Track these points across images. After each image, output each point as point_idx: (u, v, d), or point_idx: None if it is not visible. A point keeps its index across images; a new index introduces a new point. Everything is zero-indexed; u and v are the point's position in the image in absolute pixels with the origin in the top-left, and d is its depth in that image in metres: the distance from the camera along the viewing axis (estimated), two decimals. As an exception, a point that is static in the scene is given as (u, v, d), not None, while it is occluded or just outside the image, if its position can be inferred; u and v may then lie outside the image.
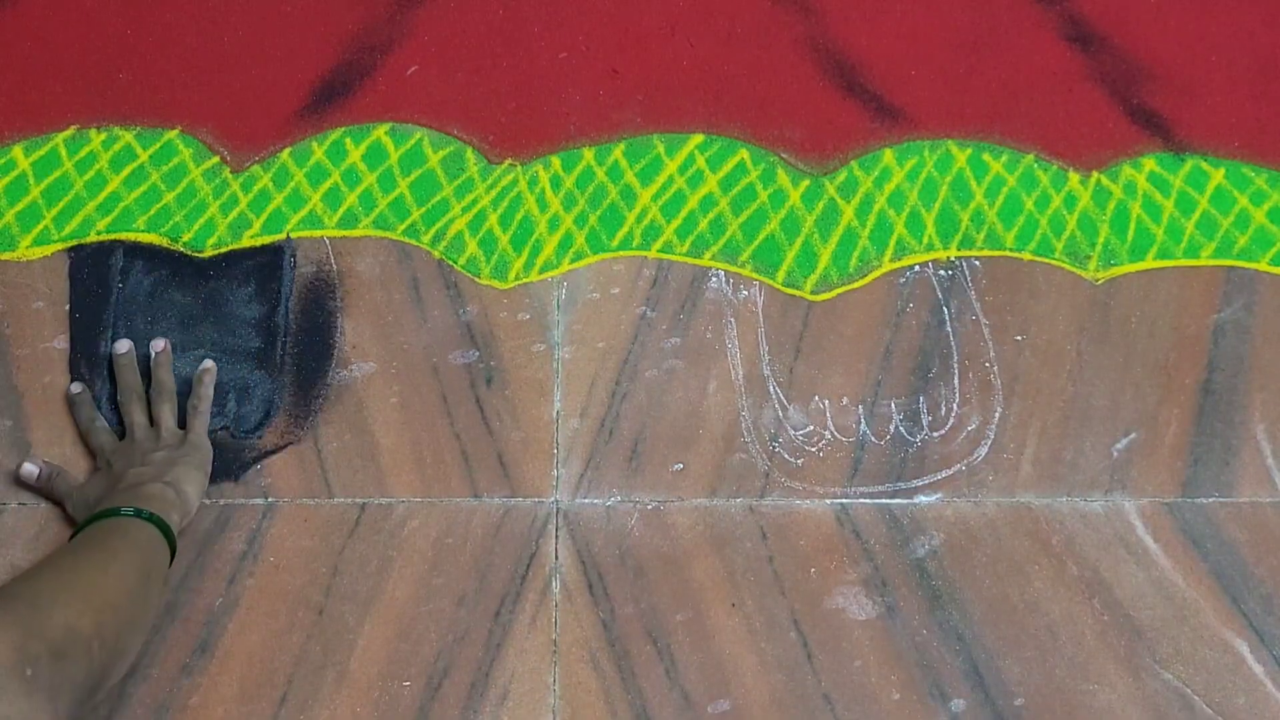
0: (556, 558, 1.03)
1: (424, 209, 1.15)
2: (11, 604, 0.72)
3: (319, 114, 1.18)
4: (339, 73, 1.20)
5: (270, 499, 1.04)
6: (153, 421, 1.04)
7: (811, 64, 1.22)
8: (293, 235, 1.13)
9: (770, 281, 1.12)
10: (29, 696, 0.68)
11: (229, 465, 1.05)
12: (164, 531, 0.91)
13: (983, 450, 1.08)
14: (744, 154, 1.17)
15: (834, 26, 1.23)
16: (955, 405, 1.09)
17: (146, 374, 1.07)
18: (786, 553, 1.04)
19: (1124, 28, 1.24)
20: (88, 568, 0.81)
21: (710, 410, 1.08)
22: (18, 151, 1.16)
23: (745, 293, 1.12)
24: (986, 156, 1.18)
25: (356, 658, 0.99)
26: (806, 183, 1.17)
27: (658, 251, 1.14)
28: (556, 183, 1.16)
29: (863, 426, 1.08)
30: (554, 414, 1.08)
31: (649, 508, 1.05)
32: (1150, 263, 1.14)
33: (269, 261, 1.12)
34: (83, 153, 1.16)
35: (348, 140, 1.17)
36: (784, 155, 1.18)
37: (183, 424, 1.05)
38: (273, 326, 1.10)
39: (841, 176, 1.17)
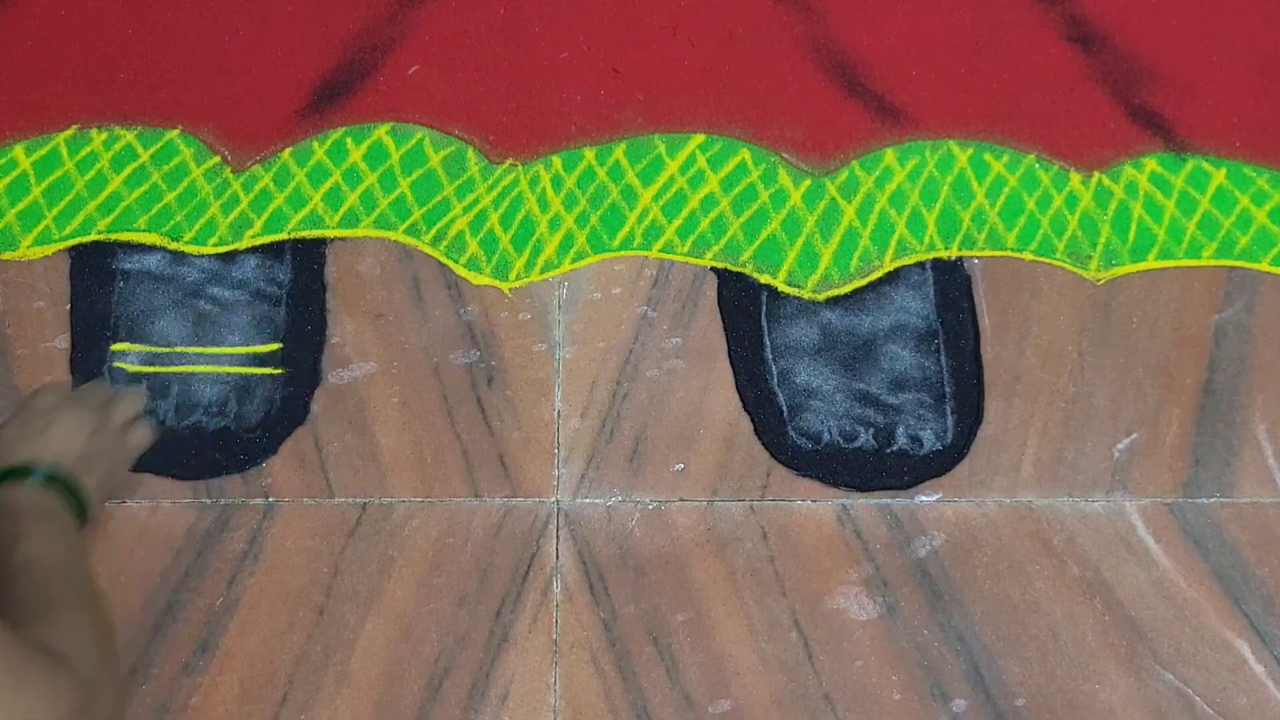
0: (557, 558, 1.03)
1: (425, 209, 1.15)
2: (71, 672, 0.73)
3: (320, 114, 1.18)
4: (340, 72, 1.20)
5: (271, 499, 1.04)
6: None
7: (813, 64, 1.22)
8: (294, 235, 1.13)
9: (772, 281, 1.12)
10: None
11: (230, 465, 1.05)
12: (77, 504, 0.89)
13: (984, 450, 1.07)
14: (745, 154, 1.17)
15: (835, 27, 1.23)
16: (957, 406, 1.09)
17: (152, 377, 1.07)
18: (787, 553, 1.03)
19: (1125, 28, 1.24)
20: (110, 631, 0.81)
21: (711, 410, 1.08)
22: (19, 151, 1.16)
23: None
24: (988, 157, 1.18)
25: (357, 658, 0.99)
26: (808, 183, 1.17)
27: (659, 251, 1.14)
28: (558, 182, 1.16)
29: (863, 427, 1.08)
30: (555, 414, 1.08)
31: (650, 508, 1.05)
32: (1151, 263, 1.14)
33: (270, 261, 1.12)
34: (84, 152, 1.16)
35: (349, 140, 1.17)
36: (785, 155, 1.18)
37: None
38: (274, 325, 1.10)
39: (843, 176, 1.17)
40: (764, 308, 1.12)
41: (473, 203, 1.15)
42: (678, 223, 1.15)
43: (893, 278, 1.13)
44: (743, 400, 1.09)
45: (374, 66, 1.20)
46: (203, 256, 1.12)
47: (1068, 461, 1.07)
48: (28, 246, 1.12)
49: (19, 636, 0.71)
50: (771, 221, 1.15)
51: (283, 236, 1.13)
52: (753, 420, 1.08)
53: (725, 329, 1.11)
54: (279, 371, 1.09)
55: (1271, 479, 1.07)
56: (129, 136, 1.17)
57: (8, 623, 0.72)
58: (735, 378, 1.09)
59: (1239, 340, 1.12)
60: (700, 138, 1.18)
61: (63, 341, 1.09)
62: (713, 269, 1.13)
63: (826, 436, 1.08)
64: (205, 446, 1.06)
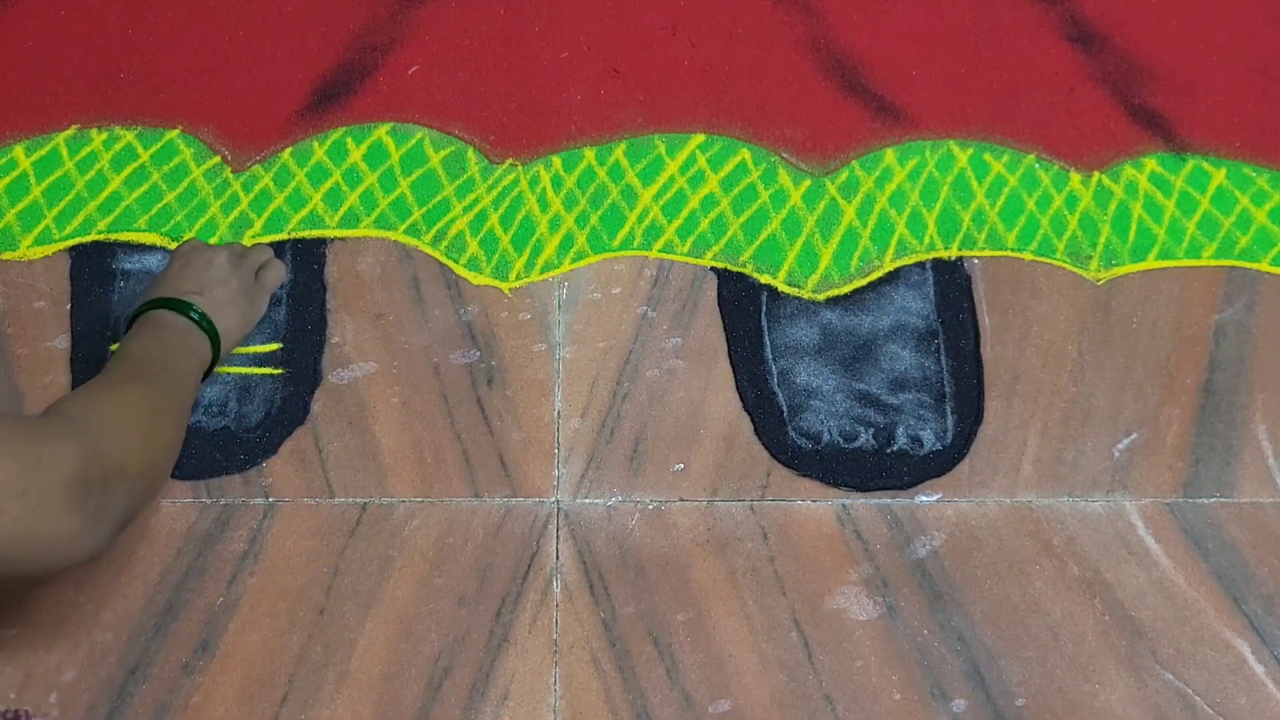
0: (557, 558, 1.03)
1: (425, 209, 1.15)
2: (78, 428, 0.79)
3: (320, 114, 1.18)
4: (340, 72, 1.20)
5: (271, 499, 1.04)
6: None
7: (813, 64, 1.22)
8: (294, 235, 1.13)
9: (772, 281, 1.13)
10: (80, 514, 0.76)
11: (230, 465, 1.05)
12: (214, 347, 1.00)
13: (984, 450, 1.07)
14: (745, 154, 1.18)
15: (835, 27, 1.23)
16: (957, 406, 1.09)
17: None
18: (787, 553, 1.04)
19: (1125, 28, 1.24)
20: (144, 408, 0.88)
21: (711, 410, 1.08)
22: (19, 151, 1.16)
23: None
24: (988, 156, 1.18)
25: (357, 658, 0.99)
26: (808, 183, 1.17)
27: (659, 251, 1.14)
28: (558, 182, 1.16)
29: (863, 427, 1.08)
30: (555, 414, 1.08)
31: (650, 508, 1.05)
32: (1151, 263, 1.14)
33: (270, 261, 1.12)
34: (84, 152, 1.16)
35: (349, 140, 1.17)
36: (785, 155, 1.18)
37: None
38: (274, 325, 1.10)
39: (843, 176, 1.17)
40: (764, 308, 1.12)
41: (473, 203, 1.15)
42: (678, 223, 1.15)
43: (893, 278, 1.13)
44: (743, 400, 1.09)
45: (374, 66, 1.20)
46: (203, 256, 1.12)
47: (1068, 461, 1.07)
48: (28, 246, 1.12)
49: (27, 420, 0.79)
50: (771, 221, 1.15)
51: (283, 236, 1.13)
52: (753, 420, 1.08)
53: (725, 329, 1.11)
54: (279, 371, 1.09)
55: (1271, 479, 1.07)
56: (129, 136, 1.17)
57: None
58: (735, 378, 1.09)
59: (1239, 340, 1.12)
60: (700, 138, 1.18)
61: (63, 341, 1.09)
62: (713, 269, 1.13)
63: (826, 436, 1.08)
64: (205, 446, 1.06)
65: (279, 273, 1.09)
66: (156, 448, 0.87)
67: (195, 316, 0.99)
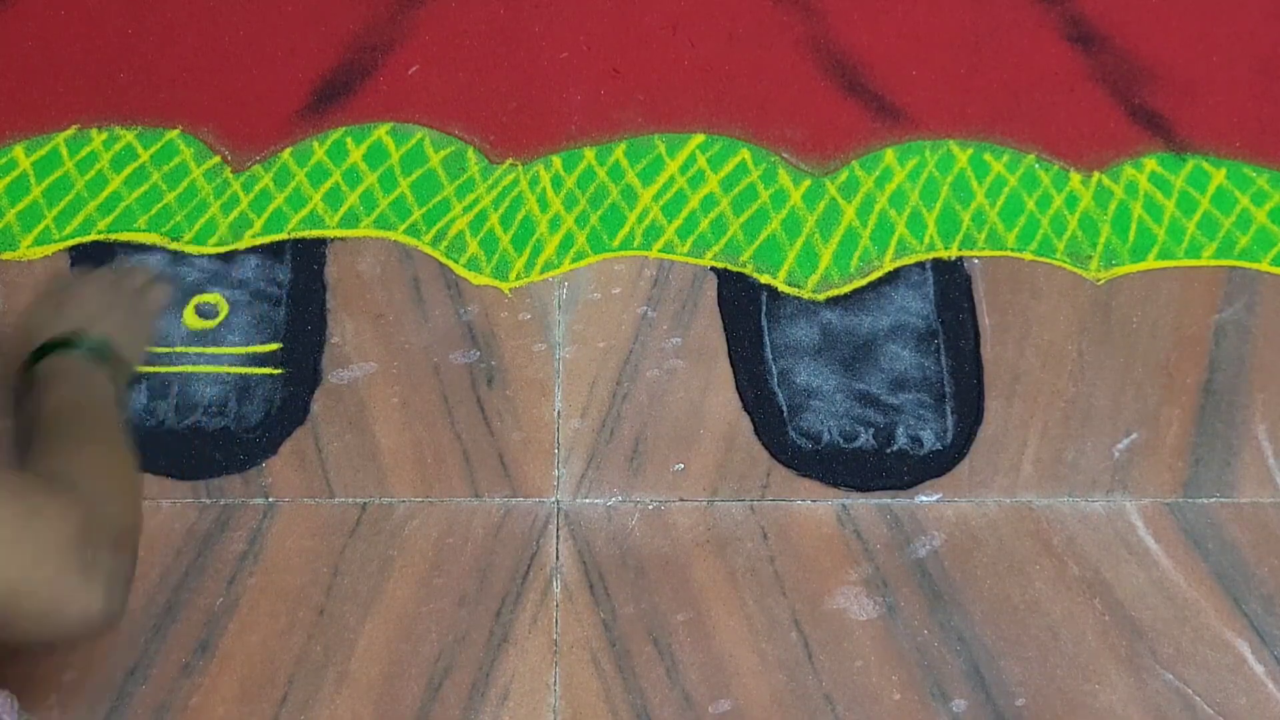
0: (557, 558, 1.03)
1: (425, 209, 1.15)
2: (76, 493, 0.77)
3: (320, 114, 1.18)
4: (340, 72, 1.20)
5: (271, 499, 1.04)
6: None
7: (813, 64, 1.22)
8: (294, 235, 1.13)
9: (772, 281, 1.13)
10: (84, 575, 0.72)
11: (230, 465, 1.05)
12: (112, 366, 0.96)
13: (984, 450, 1.07)
14: (745, 154, 1.18)
15: (835, 27, 1.23)
16: (957, 406, 1.09)
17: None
18: (787, 553, 1.03)
19: (1125, 28, 1.24)
20: (107, 464, 0.86)
21: (711, 410, 1.08)
22: (19, 151, 1.16)
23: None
24: (988, 157, 1.18)
25: (357, 658, 0.99)
26: (808, 183, 1.17)
27: (659, 251, 1.14)
28: (558, 182, 1.16)
29: (863, 427, 1.08)
30: (555, 414, 1.08)
31: (650, 508, 1.05)
32: (1151, 263, 1.14)
33: (270, 261, 1.12)
34: (84, 152, 1.16)
35: (349, 140, 1.17)
36: (785, 155, 1.18)
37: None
38: (274, 325, 1.10)
39: (843, 176, 1.17)
40: (764, 308, 1.12)
41: (473, 203, 1.15)
42: (678, 223, 1.15)
43: (893, 278, 1.13)
44: (743, 400, 1.09)
45: (374, 66, 1.20)
46: (203, 256, 1.12)
47: (1068, 461, 1.07)
48: (28, 246, 1.12)
49: (25, 474, 0.76)
50: (771, 221, 1.15)
51: (283, 236, 1.13)
52: (753, 420, 1.08)
53: (725, 329, 1.11)
54: (279, 371, 1.09)
55: (1271, 479, 1.07)
56: (129, 136, 1.17)
57: (13, 469, 0.78)
58: (735, 378, 1.09)
59: (1239, 340, 1.12)
60: (700, 138, 1.18)
61: (63, 341, 1.09)
62: (713, 269, 1.13)
63: (826, 436, 1.08)
64: (205, 446, 1.06)
65: (162, 293, 1.06)
66: (136, 499, 0.86)
67: (86, 350, 0.95)
